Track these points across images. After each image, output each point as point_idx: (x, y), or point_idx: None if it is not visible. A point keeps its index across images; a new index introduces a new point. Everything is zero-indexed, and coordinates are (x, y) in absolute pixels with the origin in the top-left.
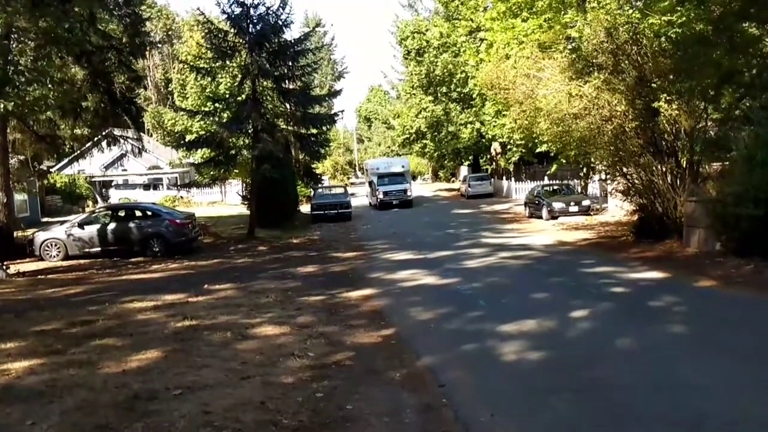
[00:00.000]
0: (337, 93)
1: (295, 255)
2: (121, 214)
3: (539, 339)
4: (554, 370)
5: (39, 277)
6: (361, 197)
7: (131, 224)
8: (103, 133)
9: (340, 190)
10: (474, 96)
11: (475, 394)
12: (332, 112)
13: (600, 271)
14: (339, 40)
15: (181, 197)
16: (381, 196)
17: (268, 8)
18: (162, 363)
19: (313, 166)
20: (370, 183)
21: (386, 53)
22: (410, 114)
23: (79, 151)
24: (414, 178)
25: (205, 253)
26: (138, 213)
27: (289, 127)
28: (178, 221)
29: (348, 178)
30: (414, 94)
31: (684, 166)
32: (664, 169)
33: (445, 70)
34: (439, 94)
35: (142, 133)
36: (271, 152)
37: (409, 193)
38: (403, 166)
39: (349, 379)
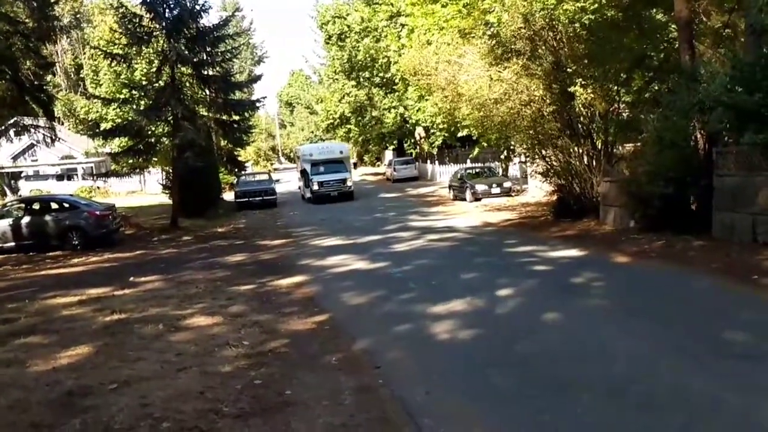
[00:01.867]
0: (257, 78)
1: (221, 244)
2: (36, 206)
3: (470, 317)
4: (486, 346)
5: None
6: (286, 183)
7: (47, 217)
8: (10, 122)
9: (265, 177)
10: (397, 81)
11: (411, 374)
12: (254, 98)
13: (524, 250)
14: (258, 25)
15: (98, 187)
16: (315, 187)
17: None
18: (94, 358)
19: (237, 153)
20: (302, 172)
21: (307, 38)
22: (333, 99)
23: None
24: (355, 166)
25: (127, 244)
26: (54, 205)
27: (211, 114)
28: (97, 213)
29: (272, 164)
30: (336, 79)
31: (599, 147)
32: (580, 151)
33: (367, 55)
34: (361, 79)
35: (53, 122)
36: (192, 140)
37: (349, 183)
38: (341, 152)
39: (286, 366)
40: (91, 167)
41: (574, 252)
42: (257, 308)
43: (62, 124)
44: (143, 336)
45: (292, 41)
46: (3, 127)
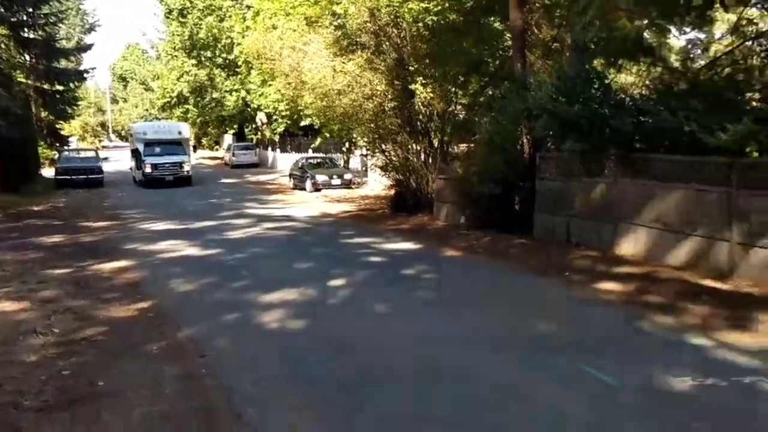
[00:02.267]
0: (87, 47)
1: (36, 223)
2: None
3: (301, 307)
4: (315, 335)
5: None
6: (116, 162)
7: None
8: None
9: (91, 154)
10: (240, 63)
11: (238, 362)
12: (82, 67)
13: (360, 242)
14: None
15: None
16: (148, 169)
17: None
18: None
19: (59, 126)
20: (134, 152)
21: (146, 10)
22: (171, 77)
23: None
24: (195, 149)
25: None
26: None
27: (30, 82)
28: None
29: (100, 141)
30: (176, 56)
31: (436, 146)
32: (418, 148)
33: (209, 34)
34: (203, 58)
35: None
36: (6, 108)
37: (187, 168)
38: (180, 132)
39: (101, 355)
40: None
41: (407, 245)
42: (72, 293)
43: None
44: None
45: (130, 12)
46: None
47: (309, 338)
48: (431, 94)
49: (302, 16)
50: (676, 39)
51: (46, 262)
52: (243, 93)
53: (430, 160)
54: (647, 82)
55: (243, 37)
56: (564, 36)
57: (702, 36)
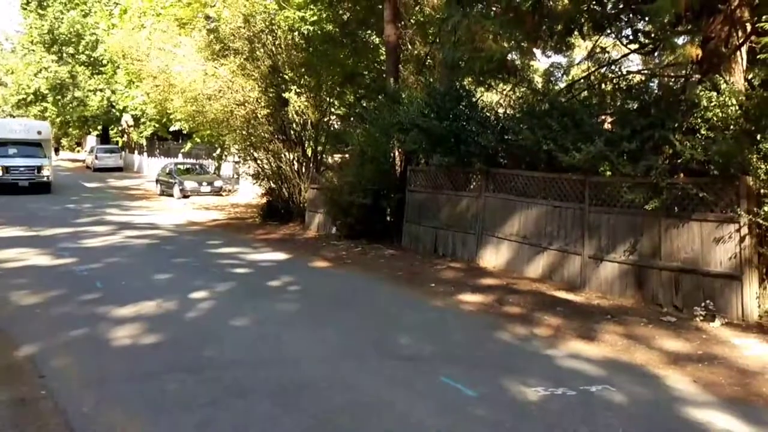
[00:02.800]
0: None
1: None
2: None
3: (157, 321)
4: (169, 351)
5: None
6: None
7: None
8: None
9: None
10: (105, 62)
11: (81, 383)
12: None
13: (226, 252)
14: None
15: None
16: (1, 173)
17: None
18: None
19: None
20: None
21: None
22: (28, 72)
23: None
24: (56, 151)
25: None
26: None
27: None
28: None
29: None
30: (33, 51)
31: (309, 155)
32: (291, 157)
33: (71, 30)
34: (64, 55)
35: None
36: None
37: (46, 173)
38: (40, 132)
39: None
40: None
41: (276, 255)
42: None
43: None
44: None
45: None
46: None
47: (163, 354)
48: (306, 104)
49: (173, 17)
50: (541, 62)
51: None
52: (108, 93)
53: (304, 170)
54: (511, 101)
55: (109, 35)
56: (436, 53)
57: (563, 60)
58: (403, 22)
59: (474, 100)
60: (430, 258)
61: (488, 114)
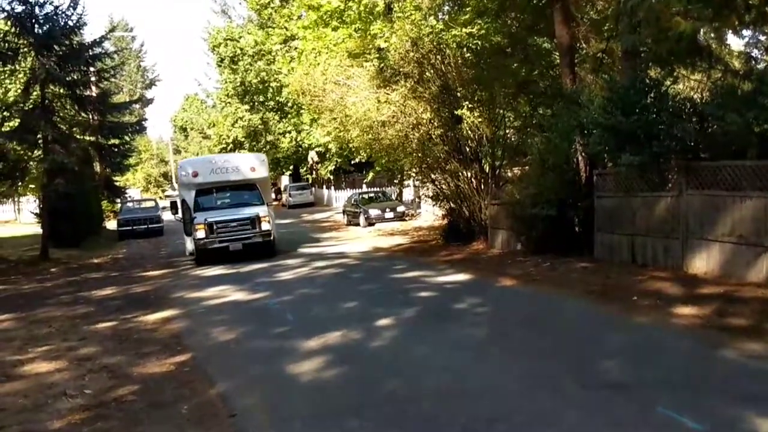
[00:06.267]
0: (145, 100)
1: (93, 276)
2: None
3: (343, 352)
4: (355, 385)
5: None
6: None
7: None
8: None
9: (151, 204)
10: (290, 105)
11: (270, 422)
12: (135, 119)
13: (410, 276)
14: (150, 47)
15: None
16: (201, 233)
17: (56, 7)
18: None
19: (115, 178)
20: (183, 203)
21: (200, 61)
22: (226, 123)
23: None
24: (278, 191)
25: None
26: None
27: (87, 137)
28: None
29: (163, 191)
30: (229, 103)
31: (487, 171)
32: (469, 174)
33: (258, 78)
34: (255, 103)
35: None
36: (63, 164)
37: (266, 227)
38: (254, 169)
39: (127, 418)
40: None
41: (460, 276)
42: (111, 349)
43: None
44: None
45: (188, 65)
46: None
47: (348, 389)
48: (479, 118)
49: (345, 51)
50: (732, 42)
51: (93, 317)
52: (295, 134)
53: (482, 186)
54: (705, 86)
55: (289, 77)
56: (613, 48)
57: (762, 37)
58: (575, 22)
59: (663, 89)
60: (628, 269)
61: (682, 103)
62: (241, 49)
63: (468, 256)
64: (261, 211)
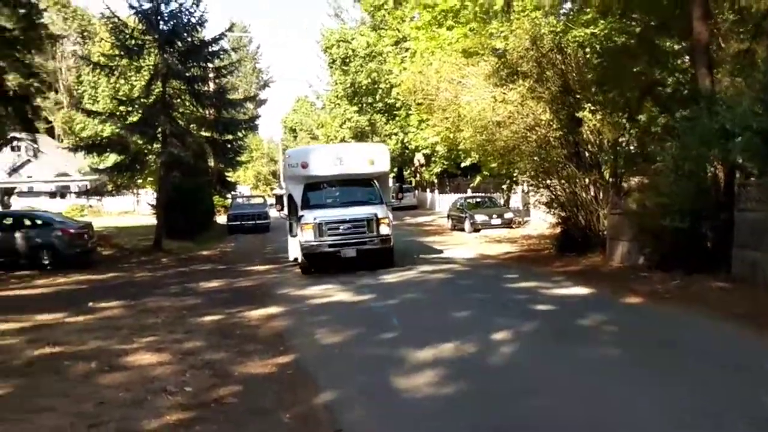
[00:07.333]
0: (256, 99)
1: (201, 269)
2: (8, 222)
3: (457, 367)
4: (472, 406)
5: None
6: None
7: (18, 233)
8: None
9: (259, 201)
10: (398, 106)
11: None
12: (248, 116)
13: (524, 287)
14: (265, 50)
15: (90, 206)
16: (308, 236)
17: (180, 4)
18: None
19: (227, 174)
20: (289, 199)
21: (312, 63)
22: (334, 124)
23: None
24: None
25: (102, 266)
26: (27, 221)
27: (203, 133)
28: (71, 231)
29: (272, 189)
30: (338, 104)
31: (607, 178)
32: (587, 181)
33: (369, 78)
34: (364, 105)
35: (38, 135)
36: (180, 158)
37: (385, 231)
38: (372, 162)
39: (227, 422)
40: (86, 185)
41: (579, 290)
42: (215, 344)
43: (61, 141)
44: (68, 377)
45: (300, 68)
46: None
47: (467, 409)
48: (601, 123)
49: (459, 50)
50: None
51: (199, 309)
52: (401, 135)
53: (601, 194)
54: None
55: (400, 78)
56: (756, 48)
57: None
58: (712, 20)
59: None
60: None
61: None
62: (353, 51)
63: (584, 268)
64: (379, 211)
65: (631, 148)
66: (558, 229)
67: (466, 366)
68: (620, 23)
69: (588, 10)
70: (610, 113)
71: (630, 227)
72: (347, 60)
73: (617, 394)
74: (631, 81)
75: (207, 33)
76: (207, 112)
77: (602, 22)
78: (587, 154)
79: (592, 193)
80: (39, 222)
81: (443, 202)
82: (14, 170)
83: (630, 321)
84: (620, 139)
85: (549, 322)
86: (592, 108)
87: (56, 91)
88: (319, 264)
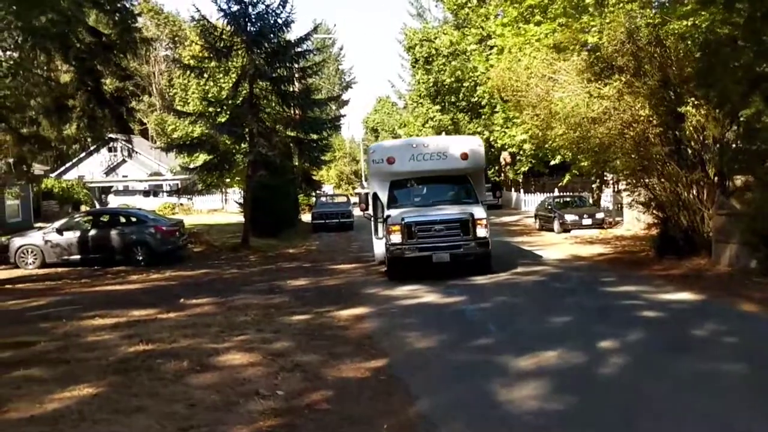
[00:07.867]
0: (340, 99)
1: (288, 266)
2: (104, 219)
3: (563, 378)
4: (585, 425)
5: (6, 286)
6: None
7: (113, 231)
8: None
9: (343, 199)
10: (483, 104)
11: None
12: (332, 116)
13: (624, 291)
14: (347, 51)
15: (181, 204)
16: (397, 240)
17: (267, 6)
18: (87, 404)
19: (313, 173)
20: (374, 197)
21: (394, 63)
22: (417, 123)
23: (84, 153)
24: (496, 185)
25: (192, 262)
26: (122, 219)
27: (289, 132)
28: (164, 228)
29: (353, 188)
30: (421, 103)
31: (712, 177)
32: (690, 180)
33: (452, 77)
34: (446, 104)
35: (132, 136)
36: (266, 157)
37: (482, 233)
38: (465, 156)
39: (320, 430)
40: (177, 184)
41: (686, 295)
42: (304, 346)
43: (154, 141)
44: (160, 375)
45: (381, 69)
46: (86, 140)
47: (578, 428)
48: (705, 118)
49: (549, 45)
50: None
51: (286, 308)
52: (486, 134)
53: (705, 194)
54: None
55: (486, 78)
56: None
57: None
58: None
59: None
60: None
61: None
62: (436, 50)
63: (688, 271)
64: (476, 211)
65: (738, 144)
66: (655, 230)
67: (573, 378)
68: (723, 14)
69: (687, 0)
70: (714, 108)
71: (740, 229)
72: (430, 59)
73: (744, 419)
74: (738, 74)
75: (292, 35)
76: (293, 112)
77: (703, 13)
78: (690, 151)
79: (695, 193)
80: (133, 220)
81: (528, 201)
82: (111, 170)
83: (751, 332)
84: (726, 134)
85: (658, 331)
86: (696, 103)
87: (150, 95)
88: (406, 270)
